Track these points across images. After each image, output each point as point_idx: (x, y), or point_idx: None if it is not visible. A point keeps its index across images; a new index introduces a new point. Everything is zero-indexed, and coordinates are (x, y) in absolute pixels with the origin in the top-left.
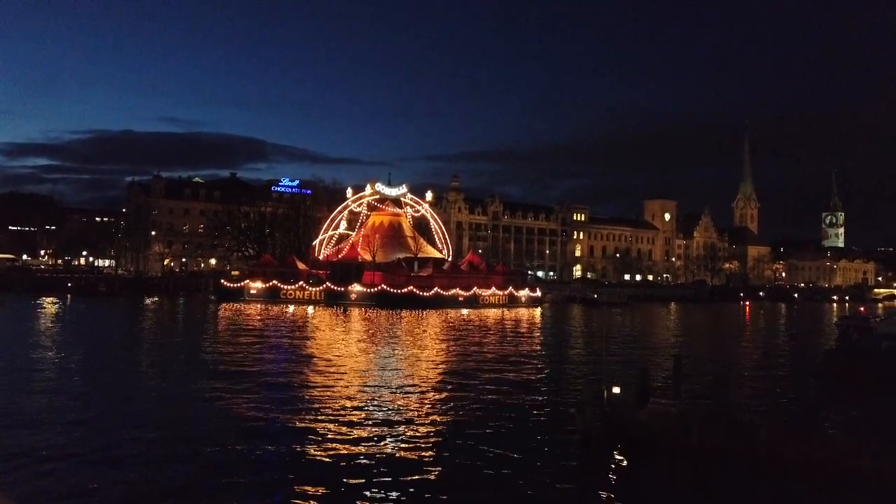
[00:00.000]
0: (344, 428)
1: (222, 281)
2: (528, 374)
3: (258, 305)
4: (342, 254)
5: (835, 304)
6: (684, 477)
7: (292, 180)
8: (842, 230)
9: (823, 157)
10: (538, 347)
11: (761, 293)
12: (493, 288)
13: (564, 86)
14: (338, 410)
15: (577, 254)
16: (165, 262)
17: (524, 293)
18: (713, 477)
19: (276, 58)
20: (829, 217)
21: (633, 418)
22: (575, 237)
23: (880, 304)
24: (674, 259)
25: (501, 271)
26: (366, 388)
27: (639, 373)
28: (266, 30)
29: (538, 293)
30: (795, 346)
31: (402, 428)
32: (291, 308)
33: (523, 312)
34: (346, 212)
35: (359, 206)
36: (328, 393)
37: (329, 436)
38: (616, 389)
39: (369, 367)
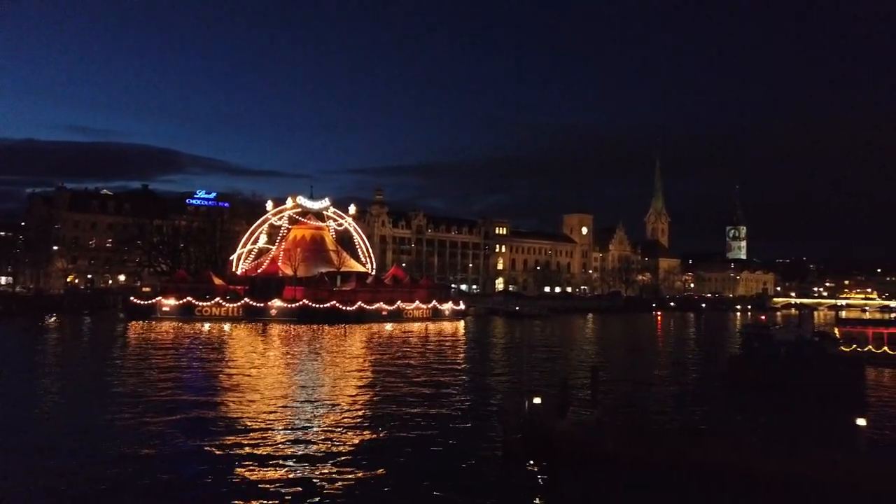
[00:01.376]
0: (262, 450)
1: (132, 298)
2: (451, 386)
3: (171, 323)
4: (262, 268)
5: (738, 314)
6: (600, 484)
7: (208, 193)
8: (744, 243)
9: (728, 174)
10: (461, 360)
11: (672, 303)
12: (417, 302)
13: (488, 103)
14: (256, 431)
15: (500, 267)
16: (69, 279)
17: (448, 306)
18: (628, 484)
19: (193, 66)
20: (732, 231)
21: (552, 428)
22: (497, 250)
23: (779, 313)
24: (591, 271)
25: (425, 285)
26: (286, 407)
27: (558, 384)
28: (183, 36)
29: (462, 306)
30: (703, 354)
31: (323, 445)
32: (207, 325)
33: (447, 326)
34: (265, 225)
35: (279, 219)
36: (245, 413)
37: (245, 459)
38: (537, 400)
39: (290, 384)
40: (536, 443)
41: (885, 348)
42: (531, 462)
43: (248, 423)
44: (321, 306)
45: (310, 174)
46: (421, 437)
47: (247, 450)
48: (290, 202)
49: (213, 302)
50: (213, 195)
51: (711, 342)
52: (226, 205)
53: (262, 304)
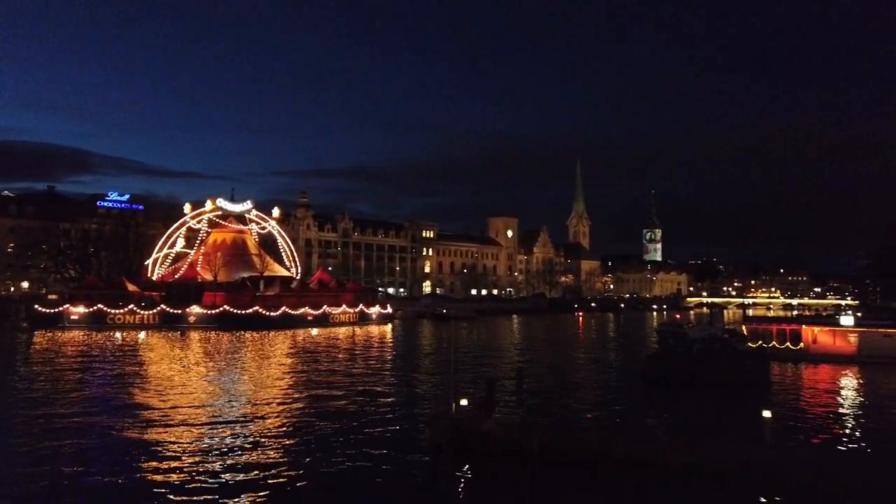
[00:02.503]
0: (183, 461)
1: (36, 306)
2: (379, 391)
3: (80, 332)
4: (179, 274)
5: (654, 313)
6: (526, 483)
7: (121, 194)
8: (660, 245)
9: (645, 179)
10: (389, 364)
11: (593, 304)
12: (344, 306)
13: (416, 107)
14: (176, 443)
15: (427, 270)
16: None
17: (375, 310)
18: (552, 481)
19: (106, 61)
20: (648, 233)
21: (479, 429)
22: (424, 254)
23: (692, 312)
24: (516, 273)
25: (352, 289)
26: (206, 418)
27: (485, 385)
28: (95, 29)
29: (389, 310)
30: (622, 353)
31: (247, 455)
32: (120, 334)
33: (374, 330)
34: (183, 229)
35: (198, 222)
36: (163, 425)
37: (166, 472)
38: (464, 402)
39: (210, 394)
40: (463, 444)
41: (788, 344)
42: (458, 464)
43: (165, 442)
44: (243, 312)
45: (231, 176)
46: (347, 443)
47: (161, 476)
48: (209, 205)
49: (126, 309)
50: (126, 197)
51: (630, 341)
52: (140, 207)
53: (179, 311)
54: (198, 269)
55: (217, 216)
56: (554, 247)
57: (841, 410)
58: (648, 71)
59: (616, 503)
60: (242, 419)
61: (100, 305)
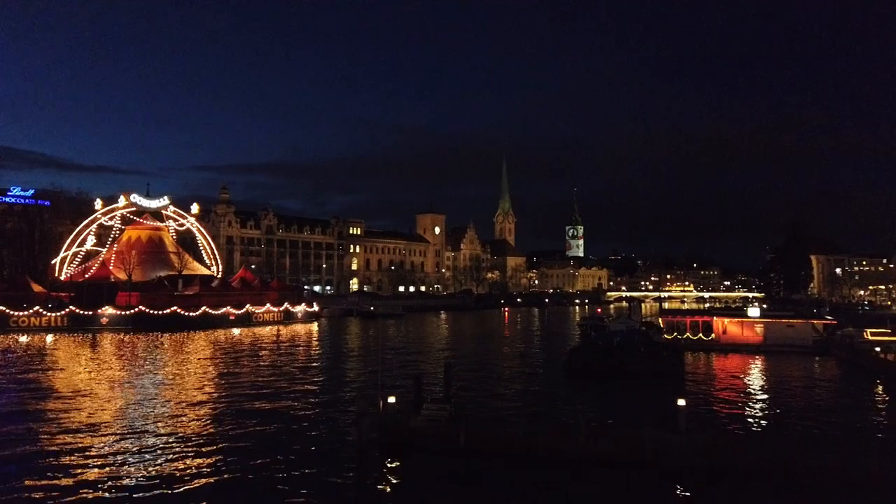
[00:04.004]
0: (93, 473)
1: None
2: (305, 390)
3: None
4: (90, 273)
5: (577, 307)
6: (453, 477)
7: (25, 189)
8: (582, 242)
9: (568, 176)
10: (315, 363)
11: (519, 300)
12: (268, 304)
13: (343, 102)
14: (84, 454)
15: (354, 267)
16: None
17: (301, 308)
18: (478, 474)
19: (7, 47)
20: (571, 230)
21: (407, 426)
22: (351, 251)
23: (612, 306)
24: (444, 270)
25: (276, 287)
26: (119, 426)
27: (412, 381)
28: None
29: (315, 308)
30: (546, 346)
31: (168, 461)
32: (24, 338)
33: (300, 328)
34: (94, 226)
35: (111, 219)
36: (71, 433)
37: (72, 485)
38: (391, 399)
39: (123, 400)
40: (391, 441)
41: (700, 335)
42: (386, 461)
43: (72, 452)
44: (160, 313)
45: (148, 170)
46: (273, 446)
47: (68, 489)
48: (122, 200)
49: (31, 311)
50: (30, 192)
51: (554, 335)
52: (47, 203)
53: (90, 313)
54: (110, 268)
55: (131, 212)
56: (481, 243)
57: (748, 397)
58: (573, 72)
59: (540, 493)
60: (160, 425)
61: (2, 308)
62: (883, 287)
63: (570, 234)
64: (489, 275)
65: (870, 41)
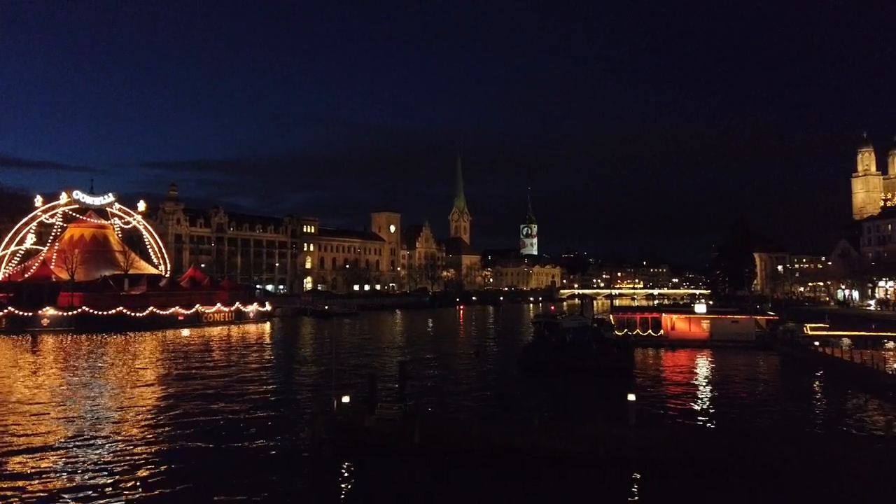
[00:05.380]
0: (33, 484)
1: None
2: (257, 392)
3: None
4: (30, 272)
5: (531, 305)
6: (407, 476)
7: None
8: (535, 240)
9: (522, 175)
10: (268, 363)
11: (474, 298)
12: (219, 304)
13: (299, 100)
14: (23, 463)
15: (308, 266)
16: None
17: (253, 308)
18: (433, 472)
19: None
20: (525, 228)
21: (361, 425)
22: (305, 249)
23: (565, 303)
24: (399, 269)
25: (227, 286)
26: (63, 434)
27: (366, 381)
28: None
29: (268, 307)
30: (501, 343)
31: (116, 469)
32: None
33: (252, 328)
34: (34, 223)
35: (52, 216)
36: (11, 447)
37: (9, 497)
38: (345, 399)
39: (66, 407)
40: (345, 441)
41: (650, 331)
42: (340, 461)
43: (10, 465)
44: (105, 313)
45: (95, 167)
46: (224, 448)
47: (21, 492)
48: (64, 197)
49: None
50: None
51: (508, 332)
52: None
53: (30, 314)
54: (52, 267)
55: (74, 210)
56: (436, 242)
57: (696, 391)
58: (528, 71)
59: (496, 490)
60: (105, 431)
61: None
62: (821, 284)
63: (525, 233)
64: (444, 273)
65: (818, 44)
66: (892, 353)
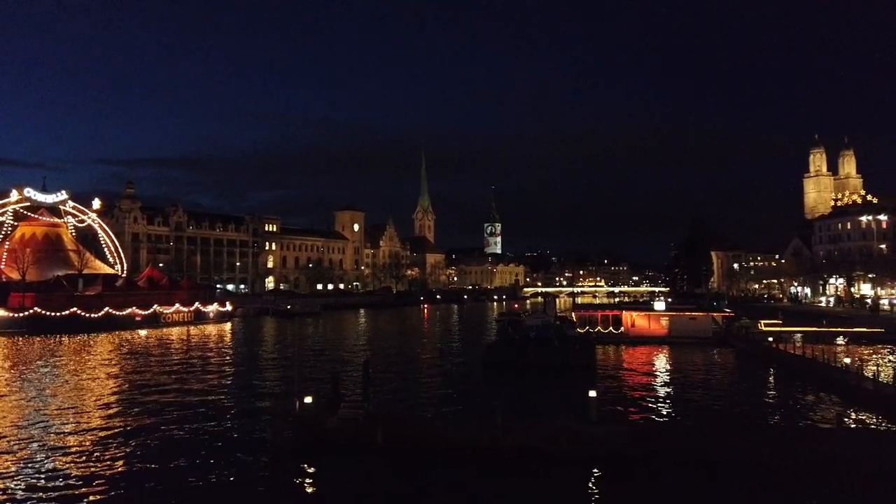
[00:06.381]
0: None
1: None
2: (217, 393)
3: None
4: None
5: (495, 303)
6: (370, 476)
7: None
8: (499, 239)
9: (487, 175)
10: (228, 364)
11: (438, 296)
12: (177, 304)
13: (263, 96)
14: None
15: (270, 265)
16: None
17: (213, 308)
18: (395, 472)
19: None
20: (489, 227)
21: (324, 426)
22: (267, 248)
23: (528, 301)
24: (363, 268)
25: (186, 286)
26: (15, 439)
27: (329, 381)
28: None
29: (228, 307)
30: (465, 342)
31: (71, 470)
32: None
33: (212, 329)
34: None
35: (2, 214)
36: None
37: None
38: (308, 399)
39: (18, 410)
40: (307, 442)
41: (611, 328)
42: (302, 463)
43: None
44: (58, 314)
45: (49, 164)
46: (183, 451)
47: None
48: (15, 195)
49: None
50: None
51: (472, 330)
52: None
53: None
54: (2, 266)
55: (25, 208)
56: (400, 240)
57: (656, 386)
58: (492, 71)
59: (459, 488)
60: (59, 434)
61: None
62: (776, 281)
63: (489, 232)
64: (409, 272)
65: (773, 48)
66: (841, 347)
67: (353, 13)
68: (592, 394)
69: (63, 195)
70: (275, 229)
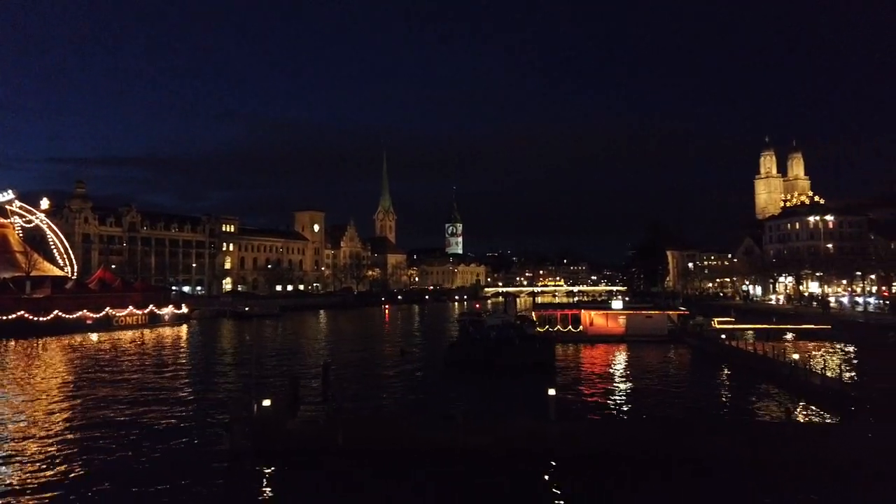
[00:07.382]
0: None
1: None
2: (172, 398)
3: None
4: None
5: (456, 303)
6: (330, 478)
7: None
8: (461, 239)
9: (448, 175)
10: (184, 368)
11: (399, 297)
12: (131, 307)
13: (221, 95)
14: None
15: (227, 266)
16: None
17: (168, 310)
18: (356, 474)
19: None
20: (450, 227)
21: (283, 428)
22: (224, 249)
23: (489, 301)
24: (323, 268)
25: (140, 288)
26: None
27: (288, 383)
28: None
29: (184, 309)
30: (426, 342)
31: (20, 478)
32: None
33: (167, 331)
34: None
35: None
36: None
37: None
38: (266, 402)
39: None
40: (266, 446)
41: (570, 327)
42: (261, 467)
43: None
44: (5, 318)
45: None
46: (137, 459)
47: None
48: None
49: None
50: None
51: (434, 330)
52: None
53: None
54: None
55: None
56: (361, 241)
57: (614, 384)
58: (454, 71)
59: (419, 488)
60: (6, 444)
61: None
62: (728, 280)
63: (450, 232)
64: (370, 272)
65: (727, 52)
66: (790, 344)
67: (312, 13)
68: (551, 392)
69: (9, 194)
70: (232, 229)
